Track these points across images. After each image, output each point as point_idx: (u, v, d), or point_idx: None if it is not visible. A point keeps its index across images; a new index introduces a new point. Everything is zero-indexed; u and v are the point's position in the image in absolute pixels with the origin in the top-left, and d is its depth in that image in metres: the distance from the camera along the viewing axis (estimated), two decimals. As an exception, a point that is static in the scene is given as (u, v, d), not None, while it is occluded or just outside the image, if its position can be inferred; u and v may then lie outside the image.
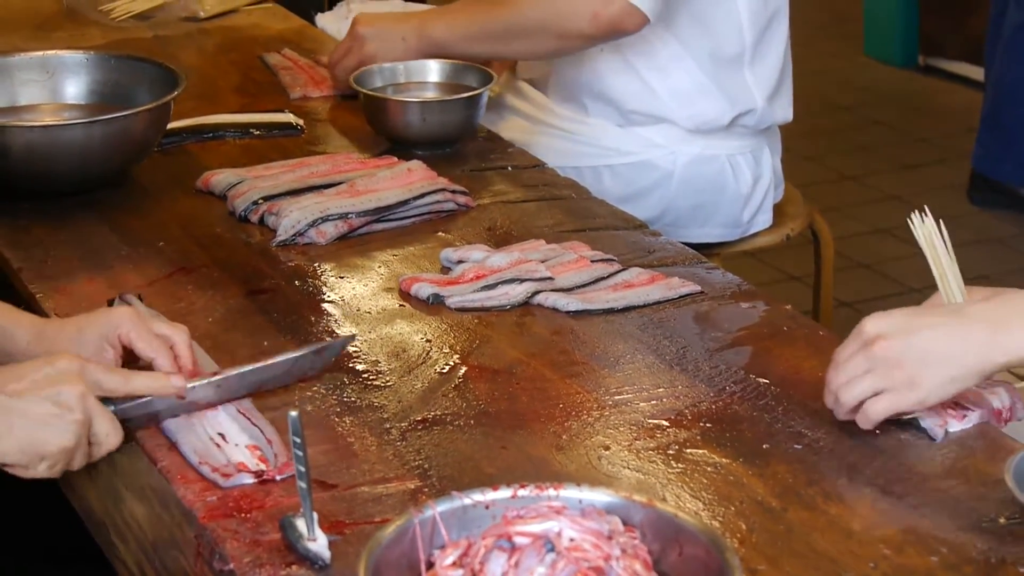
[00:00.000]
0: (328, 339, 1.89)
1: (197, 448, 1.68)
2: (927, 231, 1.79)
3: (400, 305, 2.03)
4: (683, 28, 2.72)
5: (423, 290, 2.04)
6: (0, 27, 3.18)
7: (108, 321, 1.78)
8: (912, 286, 4.39)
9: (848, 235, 4.71)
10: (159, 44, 3.10)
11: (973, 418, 1.72)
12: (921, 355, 1.64)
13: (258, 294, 2.06)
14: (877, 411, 1.66)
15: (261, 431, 1.70)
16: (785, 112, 2.86)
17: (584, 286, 2.06)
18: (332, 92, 2.80)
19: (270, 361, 1.77)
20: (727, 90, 2.75)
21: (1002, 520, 1.55)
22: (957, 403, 1.73)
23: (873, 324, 1.67)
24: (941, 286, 1.77)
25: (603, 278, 2.08)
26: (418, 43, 2.70)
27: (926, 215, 1.79)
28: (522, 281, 2.05)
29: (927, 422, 1.71)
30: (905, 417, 1.71)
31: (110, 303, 1.95)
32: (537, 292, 2.04)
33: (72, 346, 1.76)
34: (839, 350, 1.70)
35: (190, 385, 1.70)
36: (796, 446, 1.69)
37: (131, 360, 1.78)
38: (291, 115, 2.68)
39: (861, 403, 1.67)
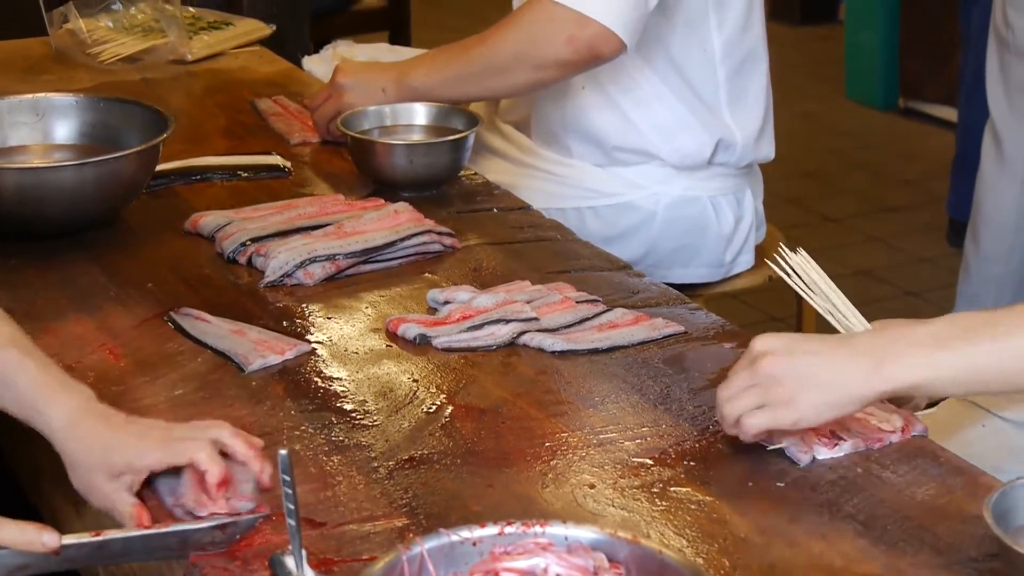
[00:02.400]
0: (239, 515, 1.63)
1: (173, 488, 1.67)
2: (798, 264, 1.84)
3: (387, 345, 2.05)
4: (660, 64, 2.75)
5: (410, 330, 2.06)
6: (-10, 70, 3.21)
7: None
8: (894, 327, 4.41)
9: (830, 277, 4.73)
10: (147, 87, 3.12)
11: (845, 447, 1.76)
12: (800, 377, 1.69)
13: (246, 334, 2.08)
14: (753, 424, 1.70)
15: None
16: (767, 150, 2.88)
17: (569, 326, 2.09)
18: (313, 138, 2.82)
19: (163, 529, 1.60)
20: (707, 124, 2.78)
21: (981, 557, 1.57)
22: (832, 431, 1.78)
23: (761, 342, 1.72)
24: (833, 320, 1.84)
25: (588, 319, 2.10)
26: (398, 93, 2.71)
27: (793, 251, 1.85)
28: (508, 322, 2.07)
29: (791, 449, 1.75)
30: (771, 446, 1.75)
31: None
32: (523, 332, 2.05)
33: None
34: (732, 369, 1.75)
35: (65, 542, 1.54)
36: (779, 484, 1.71)
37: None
38: (278, 157, 2.70)
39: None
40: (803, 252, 1.88)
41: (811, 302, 1.90)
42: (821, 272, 1.89)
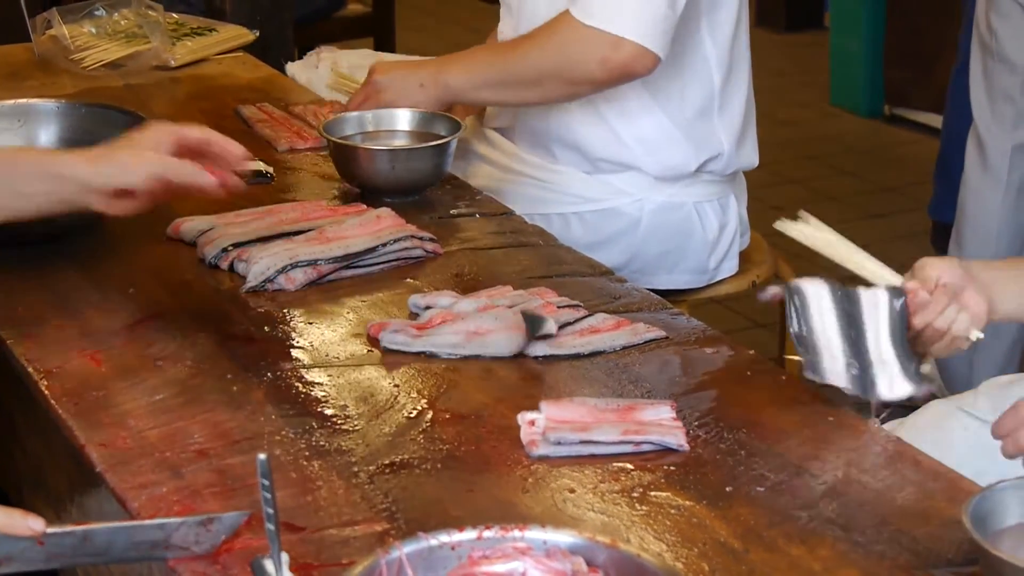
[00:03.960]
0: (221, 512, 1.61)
1: None
2: (811, 228, 1.80)
3: (368, 351, 2.05)
4: (656, 76, 2.74)
5: (391, 336, 2.05)
6: (-28, 76, 3.20)
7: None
8: (878, 333, 4.41)
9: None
10: (130, 93, 3.12)
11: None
12: None
13: (228, 340, 2.07)
14: None
15: None
16: (751, 157, 2.88)
17: (550, 332, 2.09)
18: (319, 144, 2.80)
19: (148, 522, 1.59)
20: (694, 138, 2.78)
21: (960, 561, 1.57)
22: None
23: None
24: (865, 271, 1.78)
25: (569, 324, 2.10)
26: (436, 89, 2.72)
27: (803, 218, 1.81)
28: (489, 327, 2.06)
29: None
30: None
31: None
32: (504, 337, 2.05)
33: None
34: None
35: (50, 531, 1.53)
36: (758, 488, 1.71)
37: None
38: (261, 163, 2.68)
39: None
40: (812, 217, 1.83)
41: (840, 261, 1.84)
42: (834, 232, 1.83)
